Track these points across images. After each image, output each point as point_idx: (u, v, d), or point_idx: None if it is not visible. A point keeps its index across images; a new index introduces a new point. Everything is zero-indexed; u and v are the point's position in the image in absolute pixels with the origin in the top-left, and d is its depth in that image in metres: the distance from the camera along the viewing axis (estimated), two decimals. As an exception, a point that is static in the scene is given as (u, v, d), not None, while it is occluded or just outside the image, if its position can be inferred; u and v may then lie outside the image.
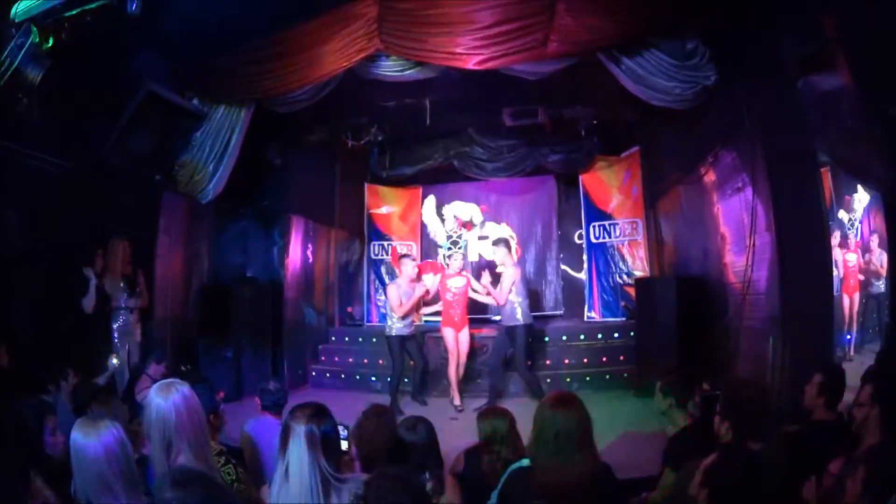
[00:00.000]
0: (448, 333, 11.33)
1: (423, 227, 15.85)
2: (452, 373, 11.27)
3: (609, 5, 8.04)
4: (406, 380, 11.66)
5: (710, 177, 10.22)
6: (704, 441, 4.45)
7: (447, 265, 12.21)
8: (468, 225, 12.31)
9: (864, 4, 5.98)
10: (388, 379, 11.39)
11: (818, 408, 5.16)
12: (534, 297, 15.11)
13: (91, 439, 3.67)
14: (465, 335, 11.45)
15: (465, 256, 12.27)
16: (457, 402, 11.08)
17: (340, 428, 4.04)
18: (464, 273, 11.74)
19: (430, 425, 4.70)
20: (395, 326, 11.20)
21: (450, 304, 11.47)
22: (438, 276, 12.07)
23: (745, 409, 4.26)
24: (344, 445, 4.18)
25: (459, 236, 12.51)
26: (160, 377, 7.66)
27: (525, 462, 4.22)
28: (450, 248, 12.37)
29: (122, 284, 9.51)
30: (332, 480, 3.50)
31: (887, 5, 5.66)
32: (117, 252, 9.48)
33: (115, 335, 9.45)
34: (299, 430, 3.54)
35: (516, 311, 10.73)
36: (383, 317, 15.27)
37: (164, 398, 3.68)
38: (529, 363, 11.12)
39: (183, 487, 2.87)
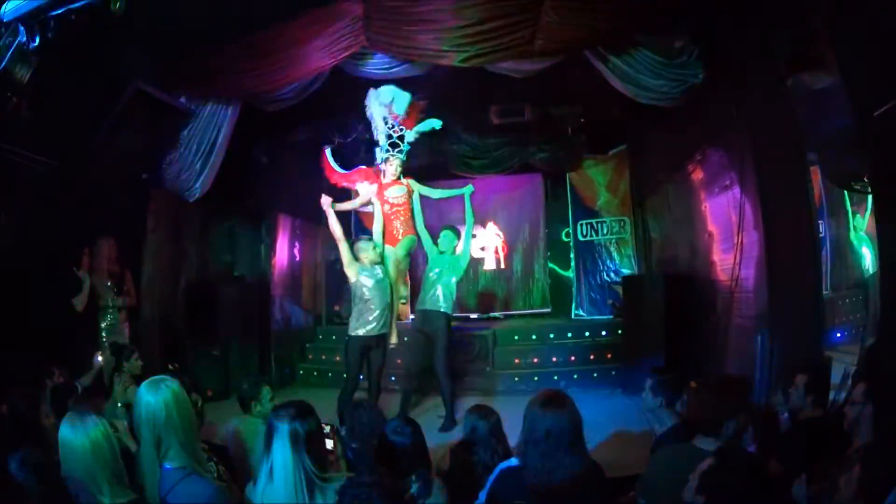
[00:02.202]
0: (386, 251, 10.19)
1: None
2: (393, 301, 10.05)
3: (596, 3, 8.03)
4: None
5: (697, 175, 10.26)
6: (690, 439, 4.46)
7: (383, 171, 10.68)
8: (407, 121, 10.59)
9: (852, 3, 6.00)
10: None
11: (806, 406, 5.18)
12: (521, 295, 15.19)
13: (78, 434, 3.71)
14: (405, 243, 10.30)
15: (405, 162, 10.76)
16: (393, 339, 10.11)
17: (326, 427, 4.03)
18: (403, 181, 10.55)
19: (417, 427, 4.66)
20: (357, 327, 9.75)
21: (388, 216, 10.31)
22: (374, 185, 10.64)
23: (712, 408, 4.27)
24: (329, 444, 4.16)
25: (400, 136, 10.82)
26: (137, 373, 7.69)
27: (513, 461, 4.21)
28: (387, 151, 10.39)
29: (108, 283, 9.48)
30: (317, 480, 3.52)
31: (875, 4, 5.67)
32: (104, 251, 9.45)
33: (103, 334, 9.42)
34: (283, 429, 3.55)
35: (439, 294, 10.10)
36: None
37: (154, 395, 3.68)
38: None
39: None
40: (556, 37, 8.13)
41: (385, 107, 10.26)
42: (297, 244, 14.16)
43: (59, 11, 6.26)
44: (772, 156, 7.84)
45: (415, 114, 10.54)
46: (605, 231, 14.86)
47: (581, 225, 15.12)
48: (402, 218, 10.29)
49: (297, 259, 14.29)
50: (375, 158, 11.30)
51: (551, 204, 15.81)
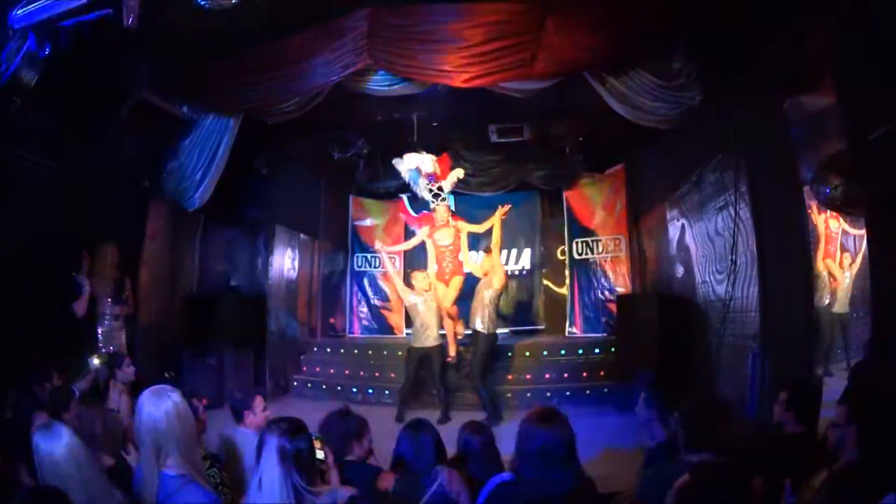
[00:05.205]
0: (437, 287, 11.80)
1: (407, 233, 15.92)
2: (446, 325, 11.88)
3: (598, 25, 8.09)
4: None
5: (693, 195, 10.32)
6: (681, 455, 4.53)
7: (434, 217, 12.69)
8: (437, 175, 12.38)
9: (852, 27, 6.07)
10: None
11: (789, 422, 5.27)
12: (516, 312, 15.24)
13: (54, 445, 3.74)
14: (455, 282, 12.30)
15: (450, 208, 12.79)
16: (451, 352, 11.78)
17: (317, 440, 4.08)
18: (452, 224, 12.27)
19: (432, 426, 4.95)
20: (415, 341, 11.42)
21: (438, 257, 12.29)
22: (426, 228, 12.69)
23: (701, 422, 4.33)
24: (321, 455, 4.21)
25: (439, 188, 12.42)
26: (130, 382, 7.72)
27: (506, 475, 4.26)
28: (432, 202, 12.64)
29: (108, 289, 9.50)
30: (306, 494, 3.55)
31: (874, 29, 5.74)
32: (105, 257, 9.46)
33: (101, 340, 9.43)
34: (272, 444, 3.59)
35: (477, 314, 11.15)
36: (365, 328, 15.47)
37: (155, 405, 3.68)
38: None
39: None
40: (557, 58, 8.22)
41: (413, 171, 12.28)
42: (294, 256, 14.17)
43: (71, 23, 6.34)
44: (767, 177, 7.92)
45: (445, 165, 12.62)
46: (600, 249, 14.91)
47: (577, 243, 15.21)
48: (449, 258, 12.17)
49: (294, 271, 14.25)
50: (366, 175, 12.67)
51: (547, 221, 15.95)
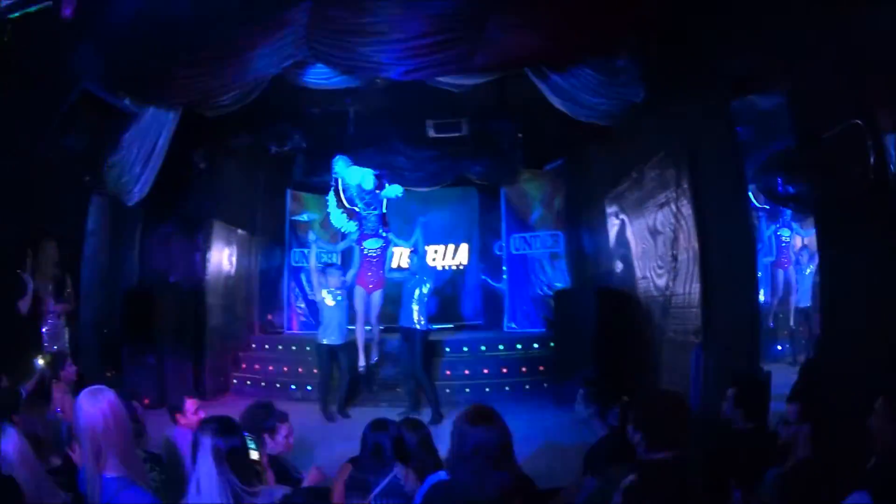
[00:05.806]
0: (358, 292, 11.86)
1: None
2: (360, 332, 11.74)
3: (542, 22, 8.07)
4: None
5: (633, 191, 10.40)
6: (622, 450, 4.55)
7: (364, 226, 12.40)
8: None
9: (803, 28, 6.11)
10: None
11: (737, 419, 5.31)
12: (453, 308, 15.24)
13: (6, 446, 3.73)
14: (377, 297, 12.01)
15: (383, 217, 12.53)
16: (361, 362, 11.65)
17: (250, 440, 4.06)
18: (382, 234, 12.14)
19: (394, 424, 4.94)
20: (322, 337, 11.51)
21: (364, 262, 12.01)
22: (357, 233, 12.46)
23: (661, 419, 4.32)
24: (255, 455, 4.18)
25: (373, 195, 12.45)
26: (72, 382, 7.61)
27: (443, 474, 4.24)
28: (365, 210, 12.29)
29: (50, 287, 9.32)
30: (243, 494, 3.55)
31: (825, 30, 5.80)
32: (47, 253, 9.28)
33: (46, 340, 9.25)
34: (206, 444, 3.59)
35: (412, 310, 11.31)
36: (303, 325, 15.32)
37: (91, 405, 3.60)
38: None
39: None
40: (498, 53, 8.21)
41: (356, 186, 12.16)
42: (232, 252, 14.05)
43: (16, 14, 6.25)
44: (711, 174, 7.97)
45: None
46: (538, 245, 15.01)
47: (514, 238, 15.27)
48: (375, 267, 11.94)
49: (232, 267, 14.12)
50: (303, 169, 12.85)
51: (485, 217, 15.98)
